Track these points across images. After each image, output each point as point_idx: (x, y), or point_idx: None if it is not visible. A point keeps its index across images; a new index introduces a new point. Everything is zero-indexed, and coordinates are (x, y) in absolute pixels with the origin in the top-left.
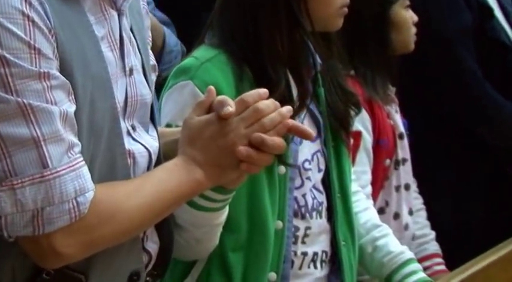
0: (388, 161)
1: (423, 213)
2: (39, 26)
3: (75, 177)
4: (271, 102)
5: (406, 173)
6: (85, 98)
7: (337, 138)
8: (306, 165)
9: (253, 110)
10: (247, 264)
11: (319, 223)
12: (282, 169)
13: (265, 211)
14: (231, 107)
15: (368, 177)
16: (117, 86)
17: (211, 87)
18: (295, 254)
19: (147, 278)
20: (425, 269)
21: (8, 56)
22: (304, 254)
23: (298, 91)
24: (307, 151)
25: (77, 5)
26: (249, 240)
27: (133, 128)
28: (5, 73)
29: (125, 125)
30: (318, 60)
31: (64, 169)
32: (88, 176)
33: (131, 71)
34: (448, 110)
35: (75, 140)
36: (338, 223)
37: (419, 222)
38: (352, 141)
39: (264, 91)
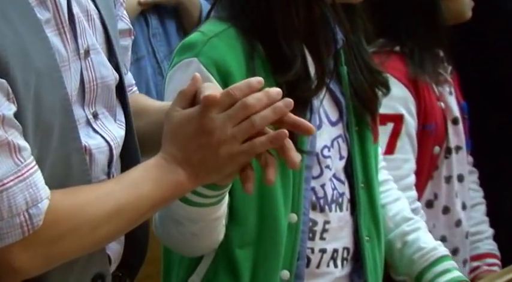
0: (437, 149)
1: (481, 208)
2: None
3: (25, 187)
4: (264, 95)
5: (459, 163)
6: (28, 94)
7: (361, 122)
8: (325, 152)
9: (241, 106)
10: (257, 262)
11: (339, 216)
12: (298, 156)
13: (276, 203)
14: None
15: (411, 166)
16: (69, 74)
17: (197, 74)
18: (312, 251)
19: None
20: (474, 269)
21: None
22: (323, 251)
23: (316, 69)
24: (326, 136)
25: None
26: (258, 235)
27: (95, 115)
28: None
29: (84, 113)
30: (340, 35)
31: (12, 180)
32: (41, 183)
33: (87, 52)
34: None
35: (22, 142)
36: (361, 216)
37: (475, 218)
38: (392, 125)
39: (257, 80)
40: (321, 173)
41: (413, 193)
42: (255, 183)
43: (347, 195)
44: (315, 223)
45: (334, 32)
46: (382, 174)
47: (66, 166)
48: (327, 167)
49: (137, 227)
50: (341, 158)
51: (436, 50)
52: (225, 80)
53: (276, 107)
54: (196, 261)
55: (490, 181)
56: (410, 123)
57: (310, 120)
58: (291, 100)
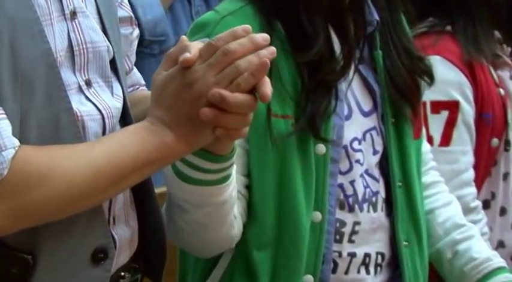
0: (496, 141)
1: None
2: None
3: None
4: (248, 40)
5: None
6: (2, 44)
7: (399, 114)
8: (355, 145)
9: (222, 53)
10: (276, 265)
11: (372, 218)
12: (321, 148)
13: (296, 199)
14: (189, 53)
15: (469, 159)
16: (52, 29)
17: (183, 36)
18: (340, 254)
19: (123, 273)
20: None
21: None
22: (352, 255)
23: (342, 49)
24: (357, 128)
25: None
26: (277, 235)
27: (88, 83)
28: None
29: (76, 79)
30: (375, 15)
31: None
32: (7, 131)
33: (74, 13)
34: None
35: None
36: (399, 218)
37: None
38: (447, 113)
39: (242, 28)
40: (350, 168)
41: (473, 189)
42: (273, 175)
43: (382, 194)
44: (342, 224)
45: (365, 11)
46: (432, 176)
47: (55, 127)
48: (358, 161)
49: (152, 216)
50: (375, 152)
51: (492, 29)
52: None
53: (261, 52)
54: (211, 264)
55: None
56: (468, 110)
57: (335, 109)
58: (273, 48)
